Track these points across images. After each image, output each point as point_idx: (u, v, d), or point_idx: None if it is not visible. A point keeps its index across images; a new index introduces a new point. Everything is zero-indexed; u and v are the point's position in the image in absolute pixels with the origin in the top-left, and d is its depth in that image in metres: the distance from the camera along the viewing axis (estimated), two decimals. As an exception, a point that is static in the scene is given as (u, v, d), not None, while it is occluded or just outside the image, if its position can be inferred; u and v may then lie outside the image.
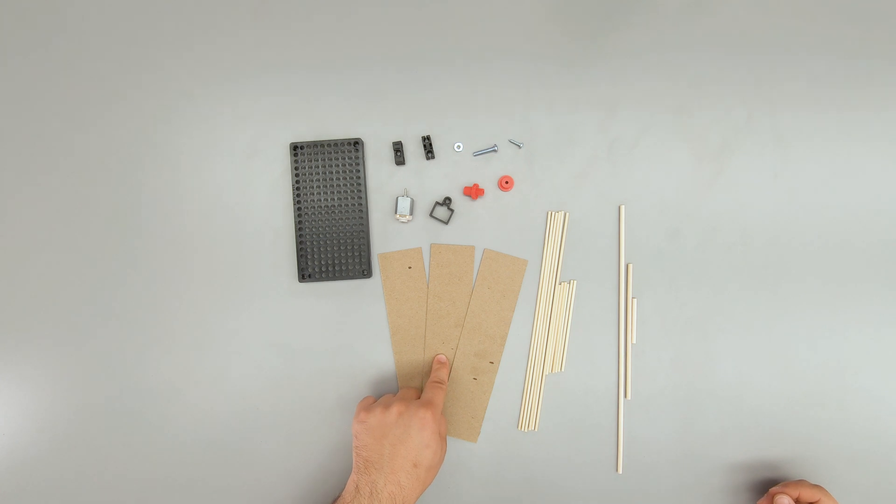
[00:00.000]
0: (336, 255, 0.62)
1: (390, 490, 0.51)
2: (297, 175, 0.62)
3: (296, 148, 0.62)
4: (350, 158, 0.62)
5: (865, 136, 0.62)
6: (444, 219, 0.62)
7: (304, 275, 0.62)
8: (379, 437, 0.53)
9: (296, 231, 0.62)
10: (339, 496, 0.53)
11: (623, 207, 0.62)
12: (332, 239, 0.62)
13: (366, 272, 0.62)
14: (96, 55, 0.63)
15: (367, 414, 0.55)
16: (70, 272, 0.62)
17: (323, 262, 0.62)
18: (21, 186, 0.63)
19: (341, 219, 0.62)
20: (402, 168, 0.63)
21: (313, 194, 0.62)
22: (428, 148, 0.62)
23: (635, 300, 0.62)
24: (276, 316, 0.62)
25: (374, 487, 0.51)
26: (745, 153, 0.62)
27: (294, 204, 0.62)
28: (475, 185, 0.62)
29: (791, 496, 0.54)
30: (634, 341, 0.62)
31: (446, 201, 0.62)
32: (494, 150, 0.62)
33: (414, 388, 0.60)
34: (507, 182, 0.62)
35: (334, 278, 0.62)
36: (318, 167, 0.62)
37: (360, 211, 0.62)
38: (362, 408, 0.56)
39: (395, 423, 0.53)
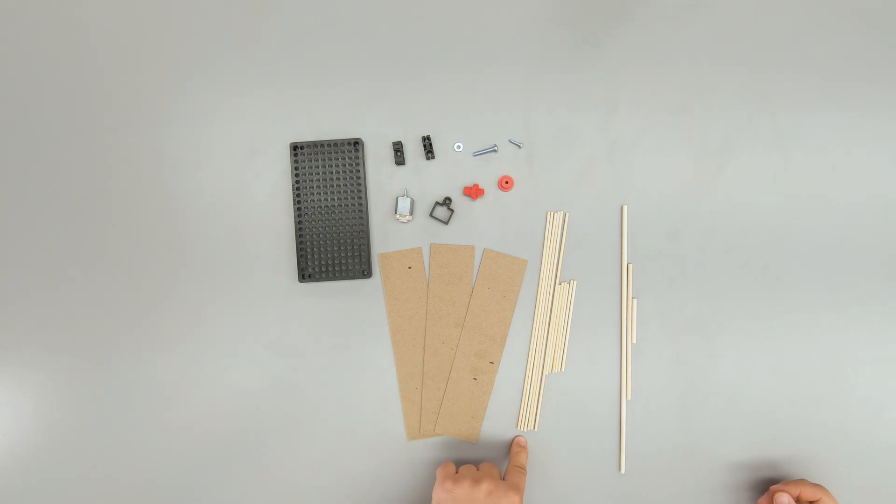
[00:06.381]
0: (336, 255, 0.62)
1: None
2: (297, 175, 0.62)
3: (296, 148, 0.62)
4: (350, 158, 0.62)
5: (865, 137, 0.62)
6: (444, 219, 0.62)
7: (304, 275, 0.62)
8: None
9: (296, 231, 0.62)
10: None
11: (625, 207, 0.62)
12: (332, 239, 0.62)
13: (366, 272, 0.62)
14: (96, 56, 0.63)
15: (454, 484, 0.55)
16: (70, 272, 0.62)
17: (323, 262, 0.62)
18: (21, 187, 0.63)
19: (341, 219, 0.62)
20: (402, 168, 0.63)
21: (313, 194, 0.62)
22: (428, 148, 0.62)
23: (635, 300, 0.62)
24: (276, 316, 0.62)
25: None
26: (745, 153, 0.62)
27: (294, 204, 0.62)
28: (475, 185, 0.62)
29: (791, 494, 0.55)
30: (635, 341, 0.62)
31: (446, 201, 0.62)
32: (494, 150, 0.62)
33: (494, 464, 0.59)
34: (507, 182, 0.62)
35: (334, 278, 0.62)
36: (318, 167, 0.62)
37: (360, 211, 0.62)
38: (446, 475, 0.56)
39: (483, 502, 0.54)
